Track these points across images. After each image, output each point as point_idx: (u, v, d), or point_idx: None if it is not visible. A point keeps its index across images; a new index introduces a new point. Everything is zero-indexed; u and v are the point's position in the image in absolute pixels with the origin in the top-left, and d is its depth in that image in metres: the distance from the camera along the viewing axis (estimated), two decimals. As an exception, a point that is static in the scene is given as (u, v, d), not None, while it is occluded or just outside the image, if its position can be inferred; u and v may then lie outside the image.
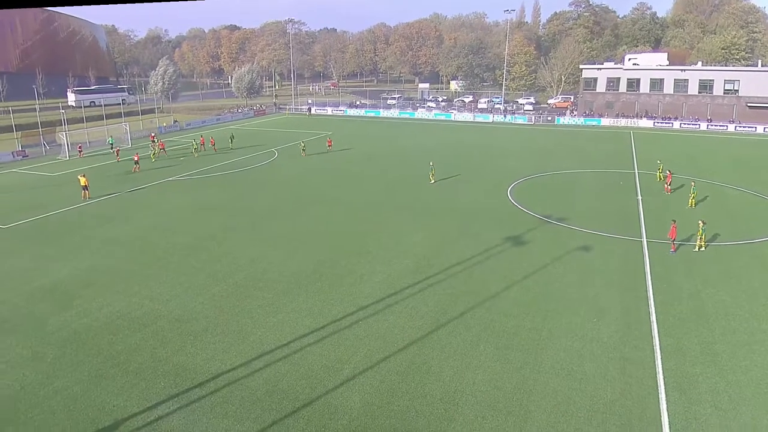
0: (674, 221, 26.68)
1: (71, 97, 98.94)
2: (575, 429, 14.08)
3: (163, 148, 53.41)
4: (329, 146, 55.89)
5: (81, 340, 18.63)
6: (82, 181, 36.24)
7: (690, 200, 33.68)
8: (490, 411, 14.84)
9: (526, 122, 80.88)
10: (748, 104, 73.02)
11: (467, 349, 17.88)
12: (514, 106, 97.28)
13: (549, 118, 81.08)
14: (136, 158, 46.00)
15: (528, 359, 17.29)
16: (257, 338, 18.70)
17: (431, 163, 41.32)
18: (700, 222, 26.53)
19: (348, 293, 22.13)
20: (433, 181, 40.69)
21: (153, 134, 60.47)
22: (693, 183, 34.73)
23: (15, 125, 57.78)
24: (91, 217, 32.86)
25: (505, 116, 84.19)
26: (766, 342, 18.24)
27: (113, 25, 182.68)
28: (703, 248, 26.20)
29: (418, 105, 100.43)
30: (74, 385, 16.09)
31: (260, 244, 27.94)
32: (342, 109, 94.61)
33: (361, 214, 33.35)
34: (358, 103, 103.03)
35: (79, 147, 52.60)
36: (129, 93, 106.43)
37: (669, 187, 37.57)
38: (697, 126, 72.41)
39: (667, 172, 38.46)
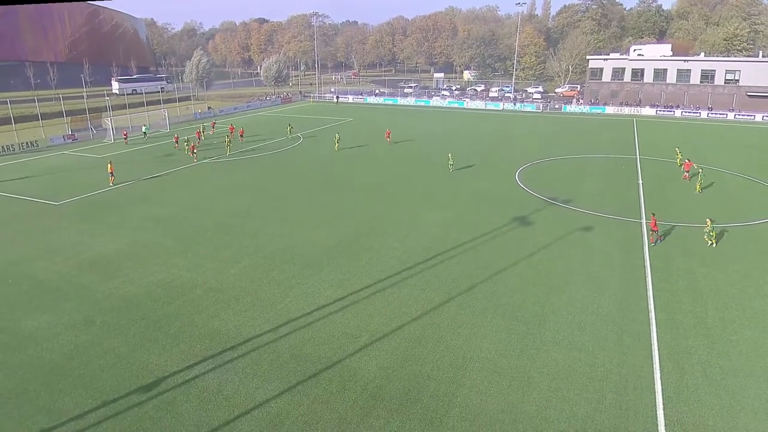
0: (654, 214, 24.94)
1: (115, 86, 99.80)
2: (574, 395, 14.12)
3: (242, 135, 52.57)
4: (387, 138, 50.11)
5: (126, 307, 19.11)
6: (109, 167, 36.02)
7: (697, 185, 32.93)
8: (495, 376, 14.94)
9: (534, 110, 79.52)
10: (748, 93, 70.78)
11: (475, 320, 17.94)
12: (524, 95, 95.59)
13: (556, 106, 79.61)
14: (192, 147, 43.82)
15: (531, 330, 17.31)
16: (284, 307, 18.97)
17: (450, 155, 39.79)
18: (708, 221, 24.61)
19: (366, 267, 22.27)
20: (451, 170, 39.40)
21: (231, 125, 55.02)
22: (701, 170, 34.04)
23: (65, 111, 58.57)
24: (132, 197, 33.38)
25: (515, 104, 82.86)
26: (755, 318, 18.00)
27: (152, 19, 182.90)
28: (714, 245, 24.15)
29: (433, 93, 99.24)
30: (121, 346, 16.56)
31: (287, 222, 28.16)
32: (363, 97, 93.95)
33: (380, 195, 33.32)
34: (377, 91, 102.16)
35: (125, 133, 52.91)
36: (167, 81, 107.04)
37: (687, 174, 35.89)
38: (698, 114, 70.51)
39: (686, 160, 37.27)
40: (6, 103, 58.75)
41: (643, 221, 27.76)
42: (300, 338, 16.94)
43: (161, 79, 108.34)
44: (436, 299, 19.41)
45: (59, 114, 60.56)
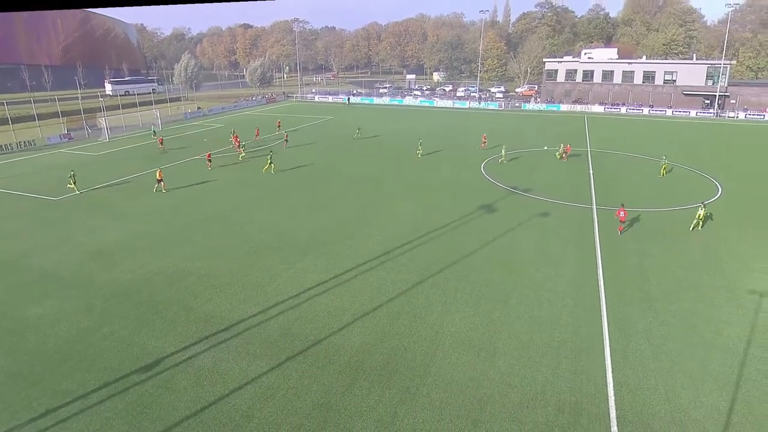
0: (623, 205, 24.41)
1: (108, 87, 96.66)
2: (534, 362, 14.44)
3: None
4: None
5: (125, 294, 18.71)
6: (158, 174, 32.25)
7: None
8: (465, 348, 15.16)
9: (497, 108, 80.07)
10: (684, 92, 72.62)
11: (447, 298, 18.13)
12: (487, 94, 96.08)
13: (516, 104, 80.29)
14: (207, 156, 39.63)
15: (496, 306, 17.58)
16: (272, 290, 18.84)
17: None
18: (663, 156, 29.91)
19: (349, 253, 22.24)
20: (420, 155, 40.78)
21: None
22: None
23: (61, 111, 56.52)
24: (129, 192, 32.53)
25: (479, 103, 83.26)
26: (692, 289, 18.63)
27: (142, 24, 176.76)
28: (699, 227, 24.25)
29: (405, 93, 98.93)
30: (120, 330, 16.23)
31: (276, 214, 27.86)
32: (341, 97, 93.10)
33: (361, 186, 33.21)
34: (354, 91, 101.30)
35: (160, 139, 46.49)
36: (158, 83, 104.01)
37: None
38: (641, 111, 72.02)
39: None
40: (3, 104, 56.39)
41: (594, 207, 28.35)
42: (288, 318, 16.86)
43: (152, 81, 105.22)
44: (412, 280, 19.53)
45: (55, 114, 58.44)
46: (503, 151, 39.91)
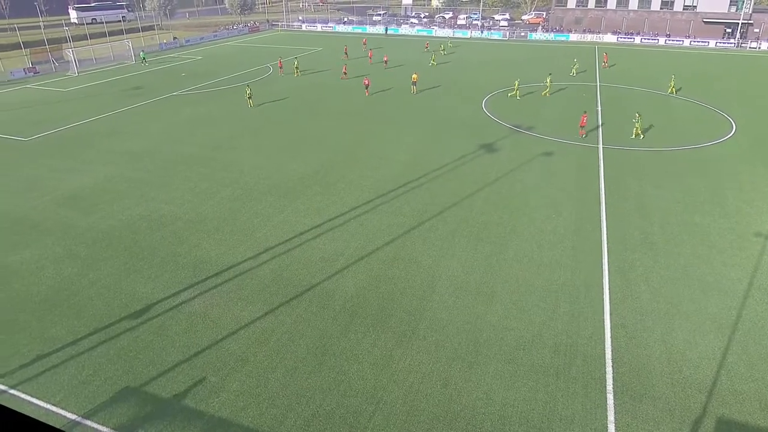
0: (585, 112, 29.99)
1: (73, 14, 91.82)
2: (532, 305, 14.97)
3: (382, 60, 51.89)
4: (386, 61, 52.21)
5: (108, 240, 18.87)
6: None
7: (634, 131, 29.26)
8: (462, 292, 15.63)
9: (501, 38, 77.41)
10: (704, 20, 70.21)
11: (444, 242, 18.45)
12: (491, 22, 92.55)
13: (522, 34, 77.57)
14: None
15: (495, 249, 17.95)
16: (263, 235, 19.05)
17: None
18: (636, 114, 29.50)
19: (341, 196, 22.30)
20: (414, 93, 39.97)
21: (365, 39, 57.72)
22: (638, 114, 29.77)
23: (22, 42, 54.11)
24: (103, 131, 31.90)
25: (482, 32, 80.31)
26: (694, 233, 19.03)
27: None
28: (641, 136, 28.79)
29: (402, 21, 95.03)
30: (106, 277, 16.53)
31: (261, 153, 27.58)
32: (331, 25, 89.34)
33: (352, 124, 32.69)
34: (345, 19, 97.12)
35: (280, 63, 50.10)
36: (128, 10, 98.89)
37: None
38: (657, 41, 69.94)
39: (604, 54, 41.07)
40: (-43, 34, 53.75)
41: (600, 146, 28.25)
42: (280, 264, 17.19)
43: (121, 6, 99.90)
44: (408, 224, 19.76)
45: (17, 46, 56.02)
46: (516, 84, 39.32)
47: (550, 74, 41.10)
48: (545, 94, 39.44)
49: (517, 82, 39.59)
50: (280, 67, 48.70)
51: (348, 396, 11.85)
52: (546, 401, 11.68)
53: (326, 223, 19.88)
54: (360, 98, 39.28)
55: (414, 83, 40.38)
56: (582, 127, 29.28)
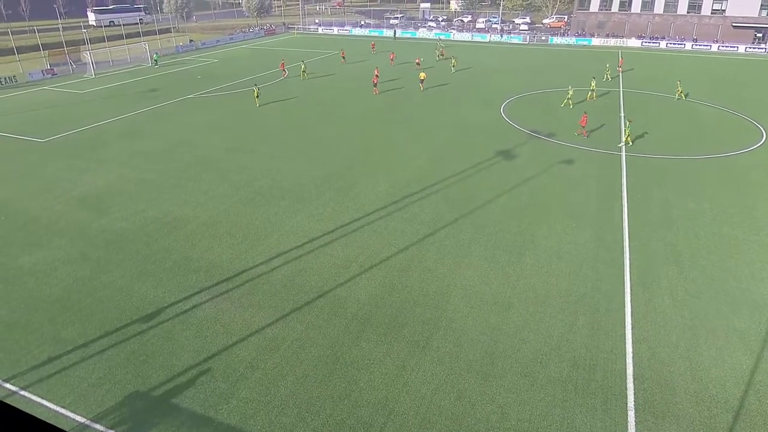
0: (585, 113, 30.62)
1: (91, 17, 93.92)
2: (550, 317, 14.79)
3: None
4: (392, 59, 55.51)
5: (121, 242, 19.16)
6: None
7: (626, 137, 28.95)
8: (478, 302, 15.52)
9: (521, 42, 77.17)
10: (734, 24, 69.13)
11: (460, 250, 18.36)
12: (511, 26, 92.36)
13: (543, 38, 77.22)
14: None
15: (512, 259, 17.80)
16: (275, 240, 19.17)
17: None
18: (627, 121, 29.46)
19: (355, 201, 22.36)
20: (422, 90, 42.05)
21: (373, 42, 62.17)
22: (630, 120, 29.77)
23: (41, 44, 55.52)
24: (118, 132, 32.50)
25: (501, 36, 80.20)
26: (723, 245, 18.64)
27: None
28: (630, 143, 28.79)
29: (419, 25, 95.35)
30: (118, 280, 16.77)
31: (275, 157, 27.82)
32: (347, 28, 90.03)
33: (366, 128, 32.81)
34: (362, 22, 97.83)
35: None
36: (146, 12, 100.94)
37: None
38: (683, 46, 69.04)
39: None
40: (-22, 36, 55.39)
41: (623, 154, 27.91)
42: (292, 269, 17.26)
43: (139, 9, 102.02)
44: (423, 231, 19.71)
45: (36, 48, 57.48)
46: (570, 92, 38.01)
47: (594, 78, 41.02)
48: (591, 97, 39.37)
49: (571, 90, 38.06)
50: (283, 70, 49.35)
51: (359, 406, 11.81)
52: (563, 417, 11.50)
53: (339, 229, 19.93)
54: (373, 101, 39.43)
55: (422, 81, 42.60)
56: (582, 126, 29.97)
